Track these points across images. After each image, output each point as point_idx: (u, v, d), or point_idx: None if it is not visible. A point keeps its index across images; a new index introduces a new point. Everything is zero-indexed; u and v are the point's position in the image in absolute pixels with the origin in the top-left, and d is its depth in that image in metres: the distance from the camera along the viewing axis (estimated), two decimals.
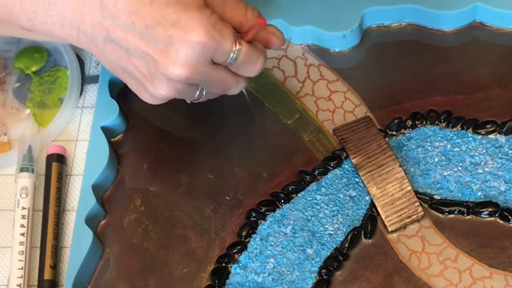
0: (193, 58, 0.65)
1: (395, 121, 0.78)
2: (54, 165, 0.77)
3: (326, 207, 0.74)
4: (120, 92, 0.81)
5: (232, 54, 0.67)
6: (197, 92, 0.70)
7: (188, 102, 0.72)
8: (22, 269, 0.73)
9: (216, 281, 0.72)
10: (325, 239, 0.73)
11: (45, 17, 0.68)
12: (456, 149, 0.76)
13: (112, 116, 0.78)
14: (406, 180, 0.73)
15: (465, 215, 0.73)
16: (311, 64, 0.82)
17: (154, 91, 0.68)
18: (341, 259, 0.72)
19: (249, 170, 0.77)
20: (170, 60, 0.65)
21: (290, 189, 0.75)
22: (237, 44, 0.67)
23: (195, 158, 0.78)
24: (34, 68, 0.84)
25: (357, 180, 0.75)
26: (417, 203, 0.73)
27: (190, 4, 0.65)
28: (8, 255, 0.75)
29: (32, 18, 0.68)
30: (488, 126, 0.77)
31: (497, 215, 0.73)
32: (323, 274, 0.72)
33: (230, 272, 0.72)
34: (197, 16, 0.65)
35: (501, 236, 0.72)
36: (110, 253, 0.74)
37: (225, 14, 0.68)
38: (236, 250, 0.73)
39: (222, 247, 0.74)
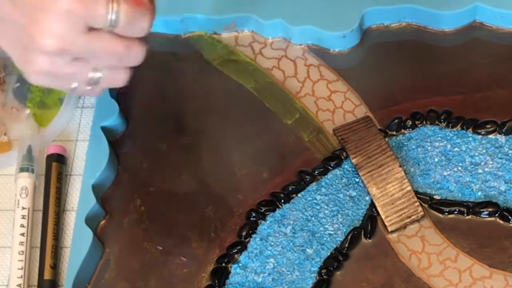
0: (61, 28, 0.59)
1: (395, 121, 0.78)
2: (54, 165, 0.77)
3: (326, 207, 0.74)
4: (120, 92, 0.81)
5: (109, 17, 0.60)
6: (90, 73, 0.63)
7: (90, 88, 0.65)
8: (22, 269, 0.73)
9: (216, 281, 0.72)
10: (325, 239, 0.73)
11: None
12: (456, 149, 0.76)
13: (112, 116, 0.78)
14: (406, 180, 0.73)
15: (465, 215, 0.73)
16: (311, 64, 0.82)
17: (31, 67, 0.62)
18: (341, 259, 0.72)
19: (249, 170, 0.77)
20: (39, 31, 0.60)
21: (290, 189, 0.75)
22: (114, 5, 0.60)
23: (195, 158, 0.78)
24: None
25: (357, 180, 0.75)
26: (417, 203, 0.73)
27: None
28: (8, 255, 0.75)
29: None
30: (488, 126, 0.77)
31: (497, 215, 0.73)
32: (323, 274, 0.72)
33: (230, 272, 0.72)
34: None
35: (501, 236, 0.72)
36: (110, 253, 0.74)
37: None
38: (236, 250, 0.73)
39: (222, 247, 0.74)
